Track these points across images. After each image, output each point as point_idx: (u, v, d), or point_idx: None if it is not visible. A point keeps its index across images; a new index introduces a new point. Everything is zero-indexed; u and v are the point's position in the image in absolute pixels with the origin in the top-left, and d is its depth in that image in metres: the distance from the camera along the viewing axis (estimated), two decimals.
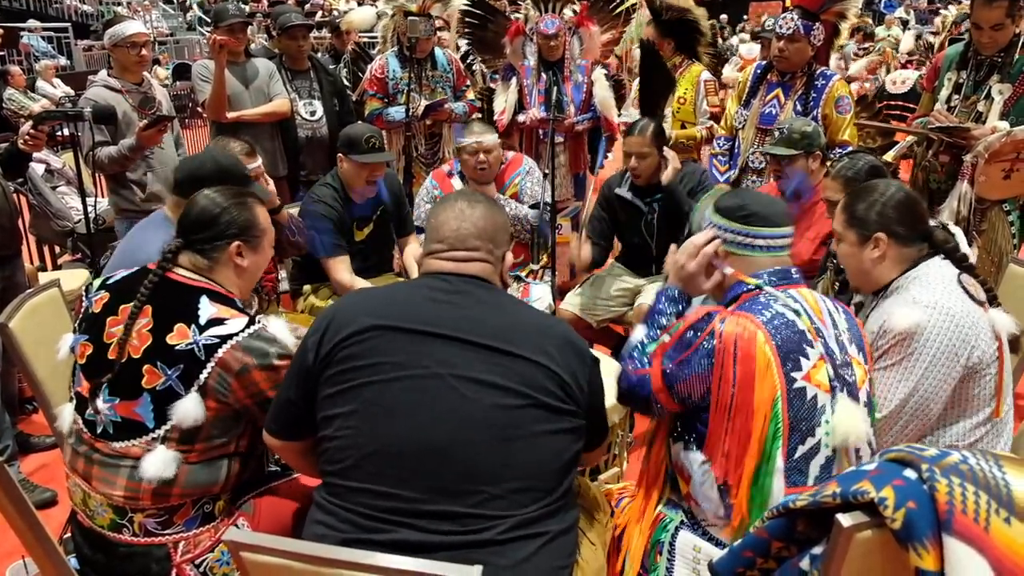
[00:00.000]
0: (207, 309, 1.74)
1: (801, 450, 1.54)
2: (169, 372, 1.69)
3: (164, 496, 1.72)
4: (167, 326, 1.72)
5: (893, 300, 1.89)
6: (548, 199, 3.55)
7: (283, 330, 1.78)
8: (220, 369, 1.69)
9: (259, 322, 1.76)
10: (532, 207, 3.67)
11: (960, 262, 1.94)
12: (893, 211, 1.92)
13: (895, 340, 1.84)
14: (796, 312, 1.61)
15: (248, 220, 1.87)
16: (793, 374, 1.55)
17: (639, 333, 1.77)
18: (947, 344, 1.81)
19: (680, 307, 1.79)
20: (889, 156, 3.75)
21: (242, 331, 1.72)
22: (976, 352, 1.83)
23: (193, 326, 1.71)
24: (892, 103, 7.31)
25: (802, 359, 1.56)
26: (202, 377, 1.69)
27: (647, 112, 3.41)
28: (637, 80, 4.55)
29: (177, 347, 1.70)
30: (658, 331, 1.75)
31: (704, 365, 1.56)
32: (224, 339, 1.71)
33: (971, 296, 1.87)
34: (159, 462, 1.68)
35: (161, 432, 1.70)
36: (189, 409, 1.68)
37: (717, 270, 1.74)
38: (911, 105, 7.82)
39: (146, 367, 1.71)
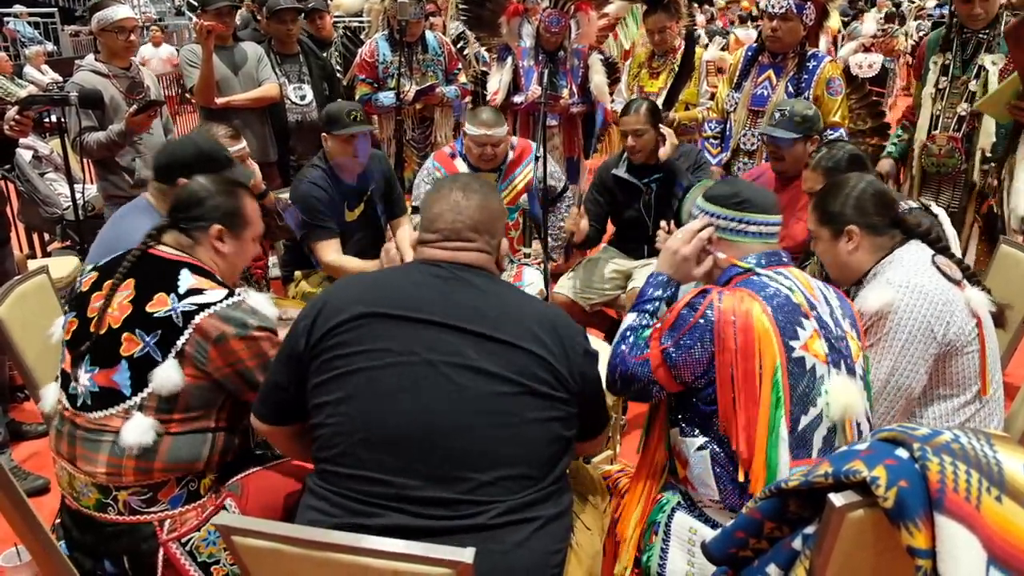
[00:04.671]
0: (187, 280, 1.77)
1: (804, 421, 1.55)
2: (147, 339, 1.71)
3: (146, 472, 1.72)
4: (147, 296, 1.75)
5: (869, 286, 1.93)
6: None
7: (264, 303, 1.80)
8: (198, 336, 1.71)
9: (238, 294, 1.78)
10: (563, 190, 3.66)
11: (934, 243, 1.96)
12: (861, 203, 1.96)
13: (871, 321, 1.87)
14: (789, 288, 1.63)
15: (233, 207, 1.92)
16: (791, 343, 1.57)
17: (628, 319, 1.77)
18: (921, 321, 1.83)
19: (669, 292, 1.79)
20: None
21: (221, 301, 1.75)
22: (952, 329, 1.85)
23: (172, 294, 1.74)
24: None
25: (799, 329, 1.58)
26: (179, 343, 1.71)
27: (670, 101, 3.41)
28: (627, 65, 4.56)
29: (156, 314, 1.72)
30: (647, 316, 1.76)
31: (704, 339, 1.57)
32: (202, 307, 1.73)
33: (946, 275, 1.89)
34: (137, 428, 1.69)
35: (138, 400, 1.71)
36: (168, 375, 1.69)
37: (709, 256, 1.76)
38: (881, 89, 7.78)
39: (125, 335, 1.72)
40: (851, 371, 1.61)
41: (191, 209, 1.88)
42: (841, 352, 1.61)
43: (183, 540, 1.75)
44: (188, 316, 1.71)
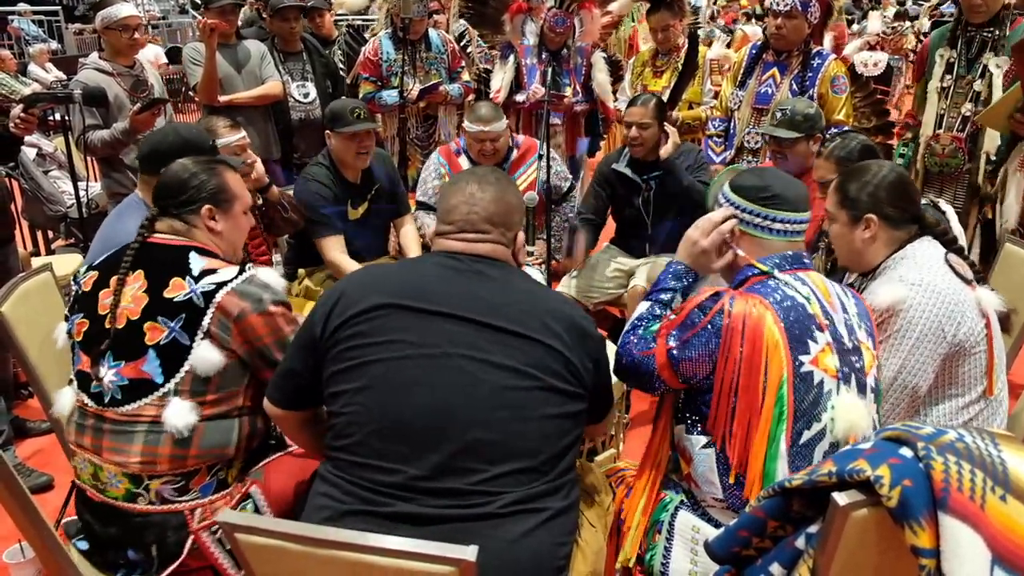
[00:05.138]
0: (198, 262, 1.79)
1: (806, 435, 1.53)
2: (171, 324, 1.72)
3: (181, 460, 1.73)
4: (162, 283, 1.76)
5: (880, 280, 1.90)
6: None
7: (274, 276, 1.83)
8: (220, 314, 1.73)
9: (249, 270, 1.80)
10: (570, 189, 3.67)
11: (949, 244, 1.94)
12: (885, 193, 1.92)
13: (881, 317, 1.85)
14: (806, 297, 1.59)
15: (217, 185, 1.93)
16: (801, 357, 1.53)
17: (641, 308, 1.75)
18: (933, 320, 1.81)
19: (685, 283, 1.76)
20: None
21: (235, 278, 1.77)
22: (963, 329, 1.84)
23: (188, 278, 1.76)
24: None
25: (810, 342, 1.55)
26: (204, 323, 1.73)
27: (673, 100, 3.40)
28: (631, 63, 4.55)
29: (176, 299, 1.74)
30: (661, 306, 1.74)
31: (711, 344, 1.55)
32: (220, 285, 1.75)
33: (958, 274, 1.88)
34: (182, 411, 1.71)
35: (171, 385, 1.72)
36: (207, 356, 1.72)
37: (729, 250, 1.72)
38: (886, 87, 7.70)
39: (147, 324, 1.73)
40: (862, 386, 1.59)
41: (176, 194, 1.89)
42: (853, 365, 1.58)
43: (213, 529, 1.75)
44: (208, 296, 1.74)
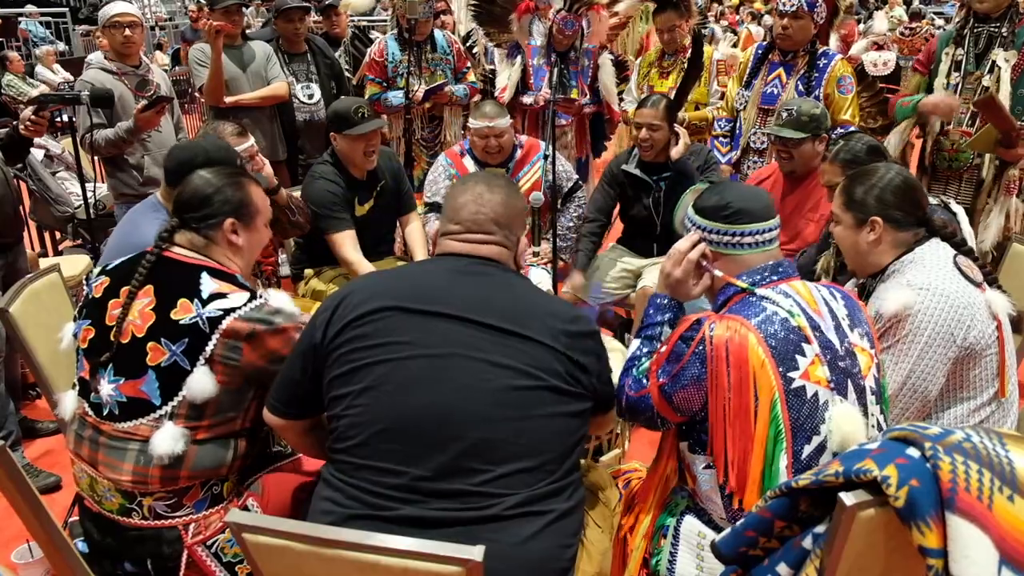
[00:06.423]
0: (209, 284, 1.75)
1: (808, 449, 1.52)
2: (173, 347, 1.70)
3: (172, 479, 1.72)
4: (170, 303, 1.73)
5: (888, 284, 1.90)
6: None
7: (286, 301, 1.80)
8: (227, 338, 1.70)
9: (261, 297, 1.77)
10: (573, 188, 3.68)
11: (959, 246, 1.93)
12: (890, 196, 1.92)
13: (889, 323, 1.84)
14: (789, 311, 1.55)
15: (242, 199, 1.90)
16: (790, 374, 1.51)
17: (633, 346, 1.74)
18: (942, 325, 1.80)
19: (671, 315, 1.74)
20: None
21: (244, 305, 1.73)
22: (972, 332, 1.83)
23: (196, 300, 1.72)
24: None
25: (798, 357, 1.52)
26: (208, 349, 1.70)
27: (679, 101, 3.40)
28: (638, 64, 4.55)
29: (181, 321, 1.71)
30: (650, 342, 1.72)
31: (699, 375, 1.53)
32: (228, 311, 1.72)
33: (967, 277, 1.86)
34: (169, 438, 1.69)
35: (168, 408, 1.70)
36: (202, 383, 1.69)
37: (706, 273, 1.69)
38: (895, 87, 7.67)
39: (150, 344, 1.71)
40: (860, 389, 1.57)
41: (200, 208, 1.85)
42: (847, 372, 1.56)
43: (208, 542, 1.75)
44: (215, 322, 1.70)
